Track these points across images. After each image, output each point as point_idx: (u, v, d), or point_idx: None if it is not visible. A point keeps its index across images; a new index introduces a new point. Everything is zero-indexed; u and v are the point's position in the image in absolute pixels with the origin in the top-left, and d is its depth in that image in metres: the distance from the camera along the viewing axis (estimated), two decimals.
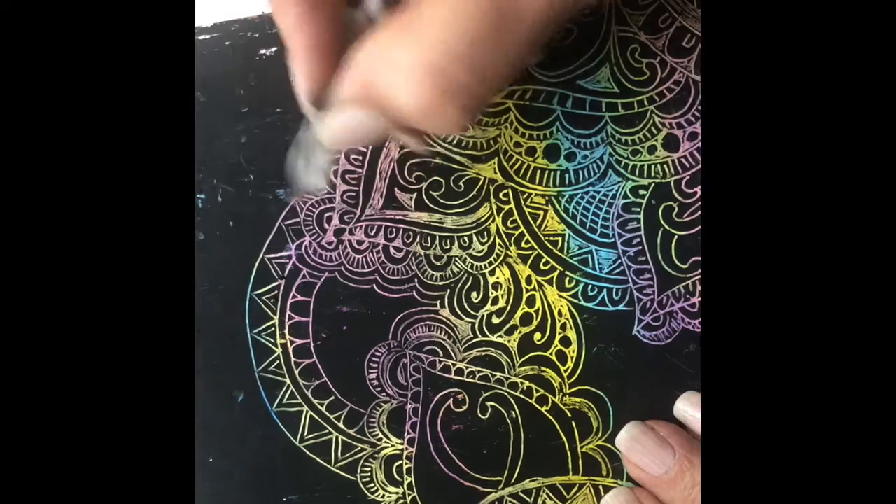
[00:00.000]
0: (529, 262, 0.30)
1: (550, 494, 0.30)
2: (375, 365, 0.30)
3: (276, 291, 0.30)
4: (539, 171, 0.30)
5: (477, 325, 0.30)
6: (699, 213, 0.30)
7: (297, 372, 0.30)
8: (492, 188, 0.30)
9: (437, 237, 0.30)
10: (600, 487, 0.30)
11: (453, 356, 0.30)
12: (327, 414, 0.30)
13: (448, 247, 0.30)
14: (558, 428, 0.30)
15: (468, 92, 0.22)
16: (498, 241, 0.30)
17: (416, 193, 0.30)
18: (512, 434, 0.30)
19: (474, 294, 0.30)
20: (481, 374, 0.30)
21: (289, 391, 0.30)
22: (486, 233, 0.30)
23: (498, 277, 0.30)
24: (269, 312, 0.30)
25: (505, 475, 0.30)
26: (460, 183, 0.30)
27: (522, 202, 0.30)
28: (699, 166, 0.30)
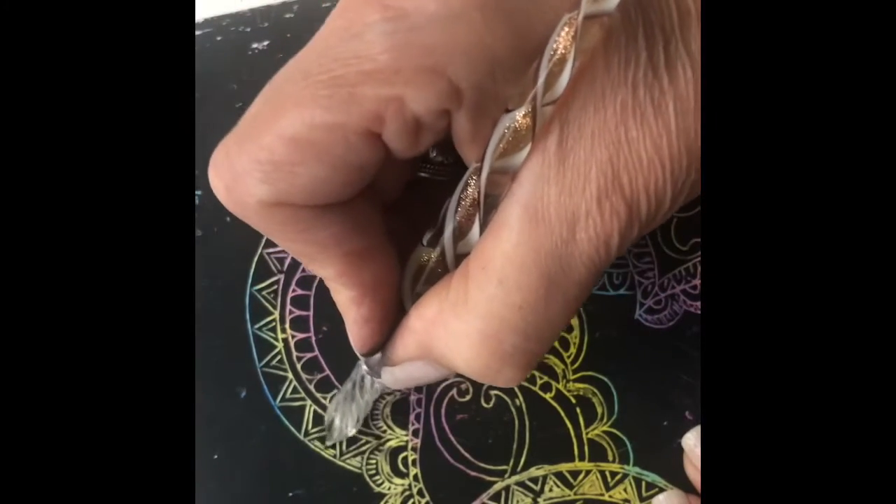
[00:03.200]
0: None
1: (557, 482, 0.30)
2: None
3: (275, 286, 0.30)
4: None
5: None
6: None
7: (299, 366, 0.30)
8: None
9: None
10: (607, 473, 0.30)
11: None
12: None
13: None
14: (563, 415, 0.30)
15: (524, 353, 0.23)
16: None
17: None
18: (517, 422, 0.30)
19: None
20: None
21: (291, 385, 0.30)
22: None
23: None
24: (270, 307, 0.30)
25: (511, 464, 0.30)
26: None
27: None
28: None
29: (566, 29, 0.20)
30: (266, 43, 0.30)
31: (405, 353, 0.25)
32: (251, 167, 0.21)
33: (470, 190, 0.22)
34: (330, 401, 0.29)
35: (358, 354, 0.26)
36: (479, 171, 0.22)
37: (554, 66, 0.20)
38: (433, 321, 0.23)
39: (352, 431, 0.29)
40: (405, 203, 0.26)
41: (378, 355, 0.26)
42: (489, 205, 0.22)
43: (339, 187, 0.22)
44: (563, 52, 0.20)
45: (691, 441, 0.29)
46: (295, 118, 0.20)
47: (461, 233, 0.23)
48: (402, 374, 0.26)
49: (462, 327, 0.22)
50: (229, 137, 0.22)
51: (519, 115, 0.21)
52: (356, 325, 0.25)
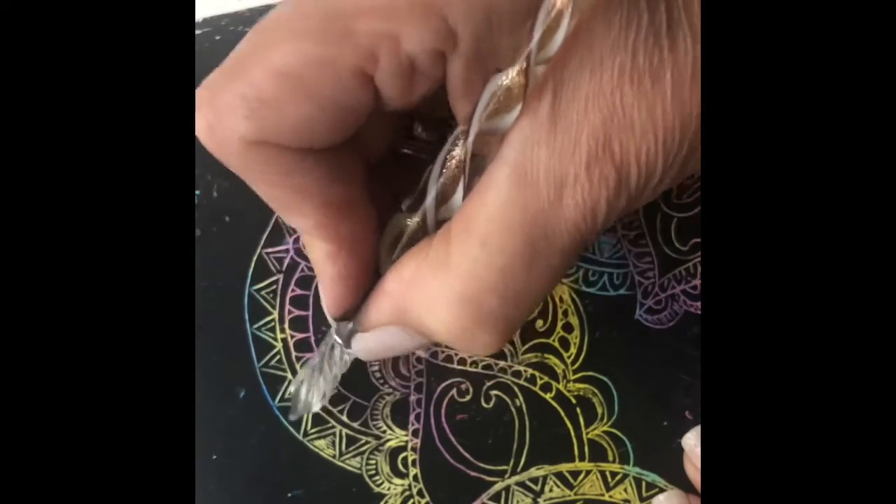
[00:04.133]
0: None
1: (557, 482, 0.30)
2: None
3: (274, 286, 0.30)
4: None
5: None
6: (698, 194, 0.30)
7: (298, 366, 0.30)
8: None
9: None
10: (607, 473, 0.30)
11: None
12: (330, 407, 0.30)
13: None
14: (563, 415, 0.30)
15: (502, 319, 0.22)
16: None
17: None
18: (517, 422, 0.30)
19: None
20: (484, 362, 0.30)
21: (291, 386, 0.30)
22: None
23: None
24: (269, 307, 0.30)
25: (511, 464, 0.30)
26: None
27: None
28: None
29: None
30: None
31: (378, 318, 0.24)
32: (237, 103, 0.20)
33: (457, 150, 0.21)
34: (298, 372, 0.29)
35: (330, 319, 0.26)
36: (466, 132, 0.21)
37: (551, 22, 0.19)
38: (410, 282, 0.23)
39: (317, 406, 0.29)
40: (387, 176, 0.26)
41: (350, 325, 0.25)
42: (475, 167, 0.21)
43: (326, 130, 0.21)
44: (561, 7, 0.19)
45: (691, 441, 0.29)
46: (286, 51, 0.20)
47: (444, 197, 0.22)
48: (373, 341, 0.25)
49: (440, 289, 0.22)
50: (215, 74, 0.21)
51: (512, 73, 0.20)
52: (331, 281, 0.24)
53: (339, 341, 0.26)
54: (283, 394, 0.30)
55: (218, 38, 0.30)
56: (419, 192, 0.23)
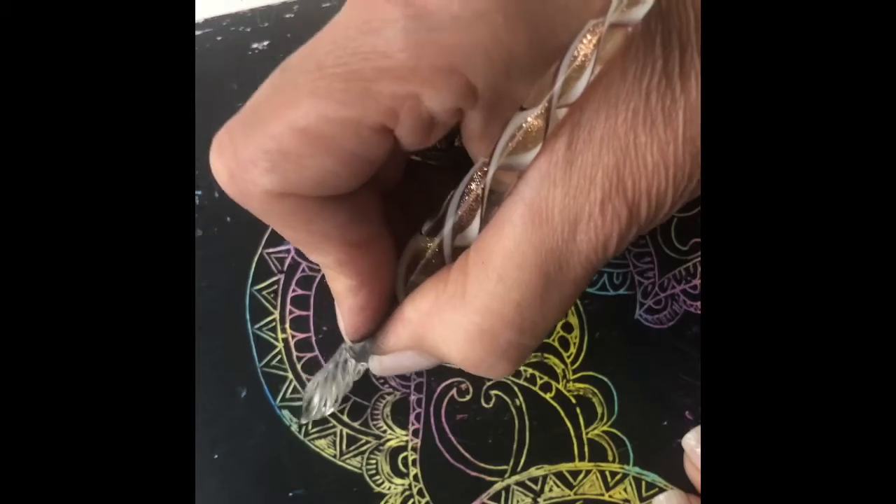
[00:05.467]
0: None
1: (557, 481, 0.30)
2: None
3: (275, 286, 0.30)
4: None
5: None
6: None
7: (299, 366, 0.30)
8: None
9: None
10: (607, 473, 0.30)
11: None
12: None
13: None
14: (563, 415, 0.30)
15: (518, 347, 0.23)
16: None
17: None
18: (517, 422, 0.30)
19: None
20: None
21: (292, 385, 0.30)
22: None
23: None
24: (270, 307, 0.30)
25: (511, 464, 0.30)
26: None
27: None
28: None
29: (588, 36, 0.20)
30: (266, 43, 0.30)
31: (397, 343, 0.25)
32: (258, 156, 0.21)
33: (474, 185, 0.22)
34: (309, 380, 0.30)
35: (346, 339, 0.26)
36: (484, 167, 0.22)
37: (573, 71, 0.20)
38: (429, 313, 0.23)
39: (329, 410, 0.29)
40: (402, 191, 0.26)
41: (364, 343, 0.26)
42: (492, 201, 0.22)
43: (346, 179, 0.21)
44: (584, 59, 0.20)
45: (691, 441, 0.30)
46: (309, 110, 0.20)
47: (461, 226, 0.23)
48: (390, 362, 0.26)
49: (459, 321, 0.23)
50: (234, 122, 0.21)
51: (531, 116, 0.21)
52: (351, 312, 0.25)
53: (353, 356, 0.27)
54: (285, 393, 0.30)
55: (219, 38, 0.30)
56: (438, 218, 0.23)
